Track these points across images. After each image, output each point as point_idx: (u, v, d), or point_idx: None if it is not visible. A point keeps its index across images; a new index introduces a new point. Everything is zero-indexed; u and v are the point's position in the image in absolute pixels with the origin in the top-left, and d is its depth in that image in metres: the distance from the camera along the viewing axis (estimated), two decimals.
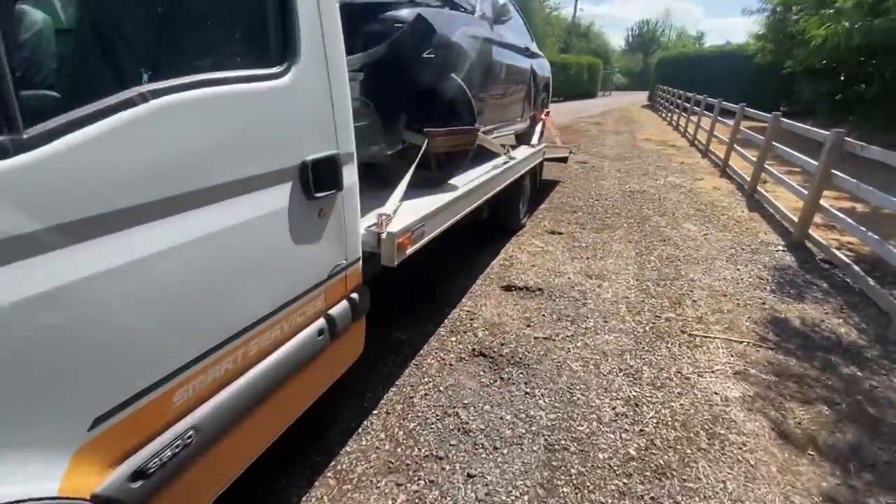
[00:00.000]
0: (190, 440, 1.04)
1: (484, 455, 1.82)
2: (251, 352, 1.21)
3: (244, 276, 1.14)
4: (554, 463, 1.79)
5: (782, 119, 5.64)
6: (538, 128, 4.73)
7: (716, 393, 2.23)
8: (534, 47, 4.67)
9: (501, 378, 2.28)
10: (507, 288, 3.26)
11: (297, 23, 1.20)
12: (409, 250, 1.88)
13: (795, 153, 4.86)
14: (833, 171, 3.96)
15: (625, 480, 1.73)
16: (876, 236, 3.31)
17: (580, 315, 2.90)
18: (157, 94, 0.89)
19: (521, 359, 2.43)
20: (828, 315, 3.02)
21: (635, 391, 2.22)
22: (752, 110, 7.09)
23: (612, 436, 1.94)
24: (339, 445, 1.86)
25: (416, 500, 1.62)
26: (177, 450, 1.02)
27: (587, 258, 3.82)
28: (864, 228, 3.49)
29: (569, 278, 3.43)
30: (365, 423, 1.98)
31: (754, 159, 5.95)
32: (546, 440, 1.90)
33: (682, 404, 2.15)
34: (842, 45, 8.41)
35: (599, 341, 2.62)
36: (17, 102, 0.72)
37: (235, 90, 1.05)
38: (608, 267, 3.66)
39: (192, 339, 1.04)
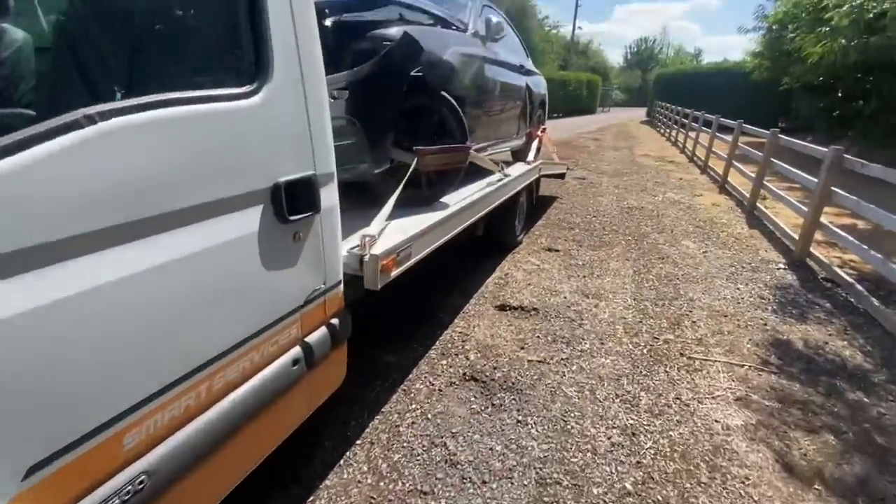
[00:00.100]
0: (142, 486, 0.96)
1: (472, 490, 1.72)
2: (216, 386, 1.14)
3: (207, 307, 1.07)
4: (545, 498, 1.69)
5: (780, 136, 5.61)
6: (534, 144, 4.69)
7: (716, 421, 2.14)
8: (529, 65, 4.67)
9: (493, 404, 2.19)
10: (502, 307, 3.18)
11: (270, 41, 1.15)
12: (394, 273, 1.82)
13: (794, 170, 4.82)
14: (833, 188, 3.90)
15: None
16: (879, 255, 3.24)
17: (576, 336, 2.81)
18: (105, 115, 0.83)
19: (513, 383, 2.34)
20: (831, 337, 2.93)
21: (632, 419, 2.12)
22: (749, 127, 7.08)
23: (607, 468, 1.84)
24: (320, 478, 1.76)
25: None
26: (126, 497, 0.94)
27: (584, 276, 3.75)
28: (865, 247, 3.42)
29: (565, 297, 3.35)
30: (348, 453, 1.88)
31: (753, 175, 5.91)
32: (538, 473, 1.80)
33: (681, 433, 2.05)
34: (838, 63, 8.45)
35: (595, 365, 2.53)
36: None
37: (196, 111, 1.00)
38: (605, 286, 3.58)
39: (145, 376, 0.97)
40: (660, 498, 1.71)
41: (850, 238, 3.64)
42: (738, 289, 3.61)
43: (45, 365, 0.80)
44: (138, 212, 0.91)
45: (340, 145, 2.02)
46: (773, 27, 13.17)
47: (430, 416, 2.09)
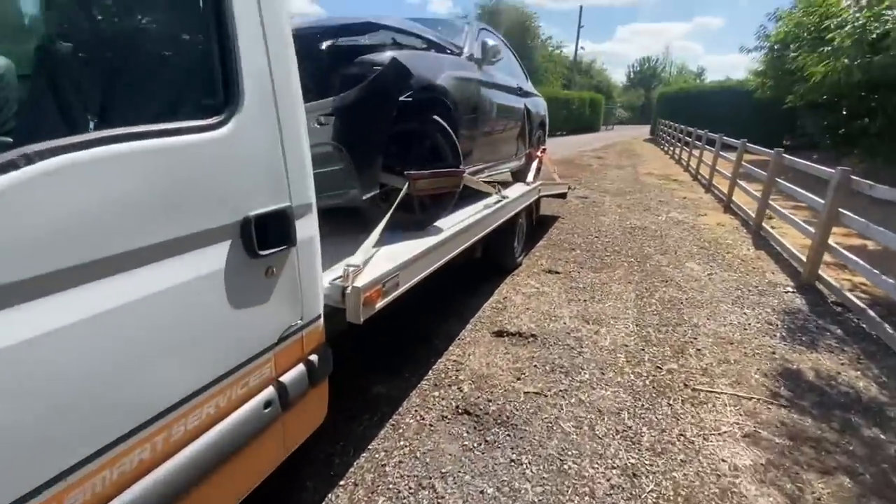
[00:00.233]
0: None
1: None
2: (174, 436, 1.06)
3: (162, 352, 1.00)
4: None
5: (784, 155, 5.53)
6: (534, 165, 4.65)
7: (723, 460, 2.01)
8: (528, 86, 4.66)
9: (486, 441, 2.08)
10: (499, 334, 3.08)
11: (239, 70, 1.10)
12: (379, 304, 1.74)
13: (800, 190, 4.73)
14: (840, 209, 3.81)
15: None
16: (891, 280, 3.12)
17: (575, 366, 2.70)
18: (44, 155, 0.77)
19: (508, 417, 2.24)
20: (844, 366, 2.80)
21: (633, 458, 2.00)
22: (753, 146, 7.02)
23: None
24: None
25: None
26: None
27: (585, 300, 3.65)
28: (877, 271, 3.30)
29: (564, 323, 3.24)
30: (330, 495, 1.78)
31: (758, 194, 5.81)
32: None
33: (685, 474, 1.93)
34: (842, 81, 8.39)
35: (595, 397, 2.42)
36: None
37: (154, 145, 0.94)
38: (606, 310, 3.47)
39: (91, 430, 0.89)
40: None
41: (860, 262, 3.52)
42: (745, 314, 3.49)
43: None
44: (81, 255, 0.84)
45: (327, 171, 1.99)
46: (775, 46, 13.21)
47: (418, 454, 1.98)
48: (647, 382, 2.57)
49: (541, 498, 1.78)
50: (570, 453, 2.02)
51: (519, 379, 2.56)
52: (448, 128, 2.45)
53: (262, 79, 1.18)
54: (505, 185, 3.89)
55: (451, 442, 2.07)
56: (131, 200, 0.91)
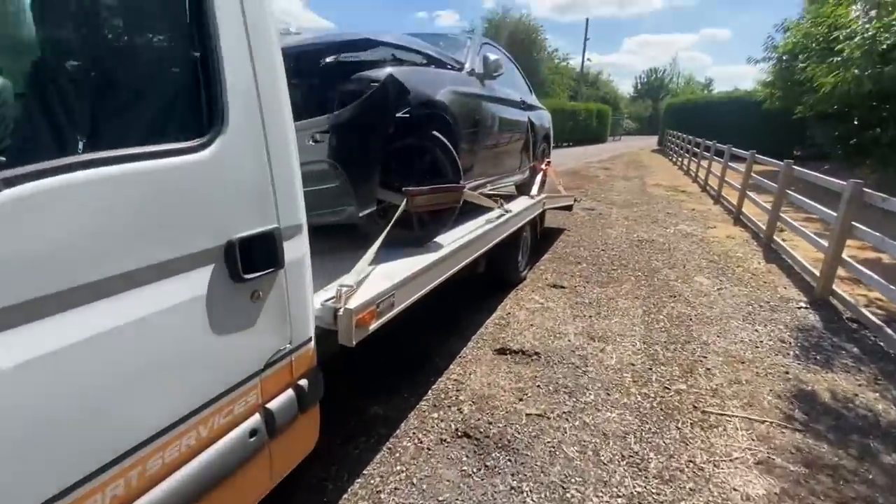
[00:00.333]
0: None
1: None
2: (151, 470, 1.01)
3: (139, 381, 0.96)
4: None
5: (794, 167, 5.43)
6: (538, 178, 4.61)
7: (735, 489, 1.92)
8: (532, 99, 4.64)
9: (486, 466, 2.01)
10: (501, 351, 3.01)
11: (223, 89, 1.08)
12: (373, 326, 1.69)
13: (812, 202, 4.63)
14: (853, 223, 3.71)
15: None
16: None
17: (579, 386, 2.62)
18: (12, 182, 0.74)
19: (509, 441, 2.16)
20: (861, 387, 2.69)
21: (640, 486, 1.91)
22: (762, 157, 6.93)
23: None
24: None
25: None
26: None
27: (590, 316, 3.56)
28: (893, 287, 3.19)
29: (569, 340, 3.17)
30: None
31: (769, 206, 5.70)
32: None
33: None
34: (852, 92, 8.29)
35: (600, 419, 2.34)
36: None
37: (133, 169, 0.91)
38: (613, 327, 3.39)
39: (58, 467, 0.85)
40: None
41: (875, 276, 3.41)
42: (757, 331, 3.38)
43: None
44: (57, 283, 0.81)
45: (324, 189, 1.96)
46: (784, 57, 13.11)
47: (415, 480, 1.91)
48: (655, 404, 2.48)
49: None
50: (573, 480, 1.93)
51: (521, 400, 2.49)
52: (448, 143, 2.42)
53: (249, 97, 1.16)
54: (508, 198, 3.84)
55: (449, 467, 2.00)
56: (109, 226, 0.88)
